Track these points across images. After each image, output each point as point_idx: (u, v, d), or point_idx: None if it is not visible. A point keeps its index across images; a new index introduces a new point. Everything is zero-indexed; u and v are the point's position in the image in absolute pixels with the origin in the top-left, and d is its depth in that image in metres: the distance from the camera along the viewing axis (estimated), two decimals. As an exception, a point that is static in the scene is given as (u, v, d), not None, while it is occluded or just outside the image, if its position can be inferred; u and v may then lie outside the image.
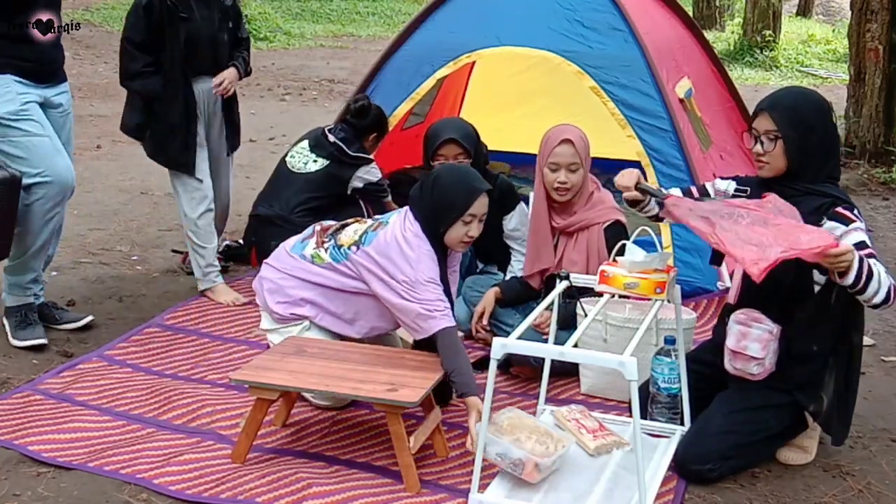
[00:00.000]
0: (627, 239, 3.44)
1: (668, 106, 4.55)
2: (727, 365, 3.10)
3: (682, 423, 3.19)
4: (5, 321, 4.02)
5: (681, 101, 4.77)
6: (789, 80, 11.95)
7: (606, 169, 5.86)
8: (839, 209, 2.96)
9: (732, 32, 14.13)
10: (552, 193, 3.81)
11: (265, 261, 3.57)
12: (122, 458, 3.09)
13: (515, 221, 4.16)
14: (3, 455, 3.11)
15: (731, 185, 3.23)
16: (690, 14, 7.77)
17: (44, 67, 3.84)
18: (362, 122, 4.66)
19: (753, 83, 11.35)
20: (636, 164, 4.68)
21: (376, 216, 3.56)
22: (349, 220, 3.53)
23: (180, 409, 3.42)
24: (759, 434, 3.07)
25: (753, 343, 3.01)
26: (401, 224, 3.31)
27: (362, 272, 3.30)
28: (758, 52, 12.81)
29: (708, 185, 3.32)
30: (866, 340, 4.18)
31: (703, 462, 3.02)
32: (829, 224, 2.93)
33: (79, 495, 2.92)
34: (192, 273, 4.78)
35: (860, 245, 2.88)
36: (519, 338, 2.75)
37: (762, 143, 3.03)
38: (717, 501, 2.97)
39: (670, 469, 3.03)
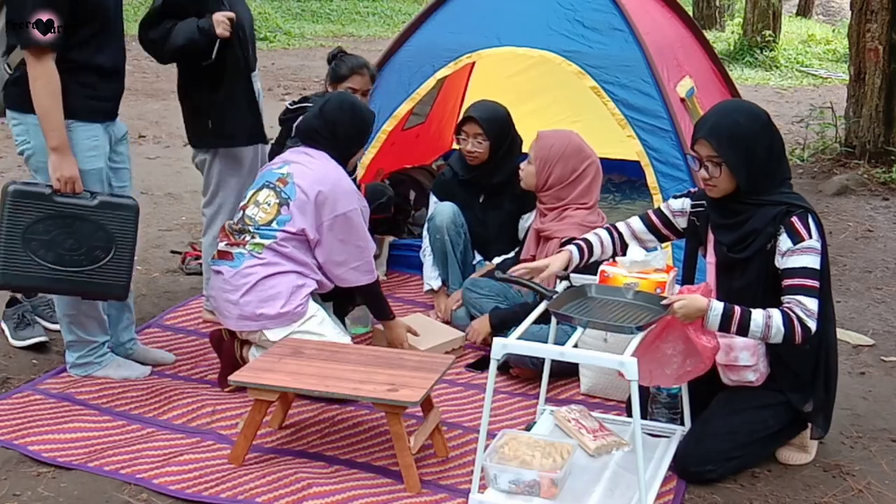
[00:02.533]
0: None
1: (668, 106, 4.54)
2: (724, 379, 3.10)
3: (682, 423, 3.19)
4: (3, 324, 4.02)
5: (682, 100, 4.77)
6: (789, 80, 11.96)
7: (607, 169, 5.86)
8: (793, 220, 2.92)
9: (732, 32, 14.13)
10: None
11: (227, 300, 3.49)
12: (122, 458, 3.09)
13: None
14: (3, 455, 3.11)
15: (686, 203, 3.20)
16: (690, 14, 7.76)
17: (118, 102, 3.54)
18: None
19: (753, 83, 11.35)
20: (636, 164, 4.70)
21: (261, 175, 3.66)
22: (240, 211, 3.62)
23: (180, 409, 3.42)
24: (759, 434, 3.07)
25: (742, 352, 3.00)
26: (323, 158, 3.59)
27: (317, 213, 3.49)
28: (758, 52, 12.81)
29: (663, 207, 3.27)
30: (866, 340, 4.19)
31: (704, 463, 3.02)
32: (782, 238, 2.91)
33: (79, 495, 2.92)
34: (192, 273, 4.78)
35: (803, 271, 2.86)
36: (519, 338, 2.75)
37: (707, 167, 2.97)
38: (717, 501, 2.97)
39: (670, 470, 3.03)
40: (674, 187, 4.47)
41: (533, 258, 3.92)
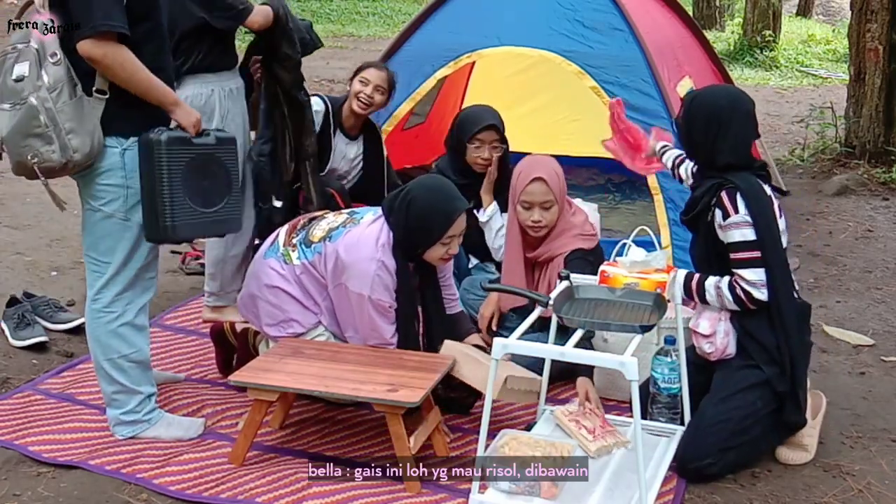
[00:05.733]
0: (590, 264, 3.45)
1: (668, 106, 4.55)
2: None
3: (682, 423, 3.19)
4: (3, 324, 4.02)
5: (682, 100, 4.77)
6: (789, 79, 11.96)
7: (607, 169, 5.87)
8: (722, 194, 3.07)
9: (732, 32, 14.13)
10: (527, 230, 3.73)
11: (248, 274, 3.48)
12: (122, 457, 3.09)
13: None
14: (3, 455, 3.11)
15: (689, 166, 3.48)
16: (690, 14, 7.76)
17: None
18: None
19: (753, 83, 11.34)
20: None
21: (350, 209, 3.50)
22: (327, 213, 3.49)
23: (180, 410, 3.42)
24: (750, 418, 3.05)
25: (703, 321, 3.14)
26: (376, 233, 3.23)
27: (328, 268, 3.26)
28: (758, 52, 12.81)
29: (683, 169, 3.52)
30: (866, 340, 4.19)
31: (702, 457, 3.02)
32: (717, 211, 3.08)
33: (79, 495, 2.92)
34: (192, 273, 4.78)
35: (737, 245, 3.03)
36: (519, 338, 2.75)
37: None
38: (717, 501, 2.97)
39: (670, 469, 3.03)
40: (674, 187, 4.46)
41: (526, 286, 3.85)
